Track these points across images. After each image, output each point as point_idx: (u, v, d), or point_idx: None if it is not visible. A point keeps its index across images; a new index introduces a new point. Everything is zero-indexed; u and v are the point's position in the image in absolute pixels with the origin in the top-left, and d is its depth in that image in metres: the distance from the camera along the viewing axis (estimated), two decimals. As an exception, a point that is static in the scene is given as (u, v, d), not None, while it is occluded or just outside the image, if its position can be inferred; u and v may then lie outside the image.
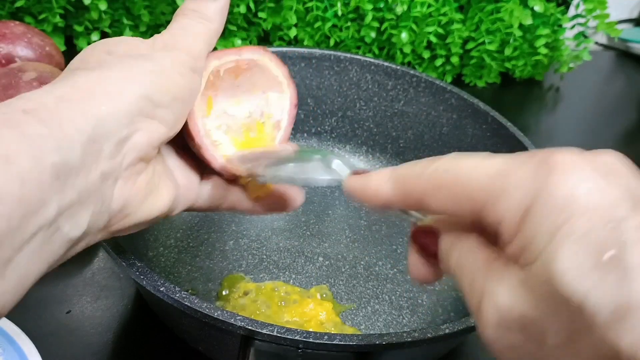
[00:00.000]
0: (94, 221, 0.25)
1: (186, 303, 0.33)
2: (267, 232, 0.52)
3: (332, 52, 0.58)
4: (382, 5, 0.71)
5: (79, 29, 0.71)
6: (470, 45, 0.75)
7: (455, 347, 0.45)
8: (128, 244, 0.36)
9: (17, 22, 0.57)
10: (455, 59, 0.75)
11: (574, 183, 0.19)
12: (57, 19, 0.69)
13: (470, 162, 0.22)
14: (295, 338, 0.32)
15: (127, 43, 0.28)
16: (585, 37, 0.79)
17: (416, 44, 0.74)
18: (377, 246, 0.53)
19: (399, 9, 0.70)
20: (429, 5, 0.70)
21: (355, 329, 0.45)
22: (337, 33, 0.73)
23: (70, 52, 0.71)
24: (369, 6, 0.70)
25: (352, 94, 0.59)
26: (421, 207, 0.24)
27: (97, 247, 0.49)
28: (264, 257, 0.50)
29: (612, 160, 0.20)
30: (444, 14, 0.72)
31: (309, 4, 0.71)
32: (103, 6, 0.68)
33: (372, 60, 0.58)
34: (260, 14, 0.73)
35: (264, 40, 0.77)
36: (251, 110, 0.33)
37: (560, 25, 0.76)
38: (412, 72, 0.57)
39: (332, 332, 0.33)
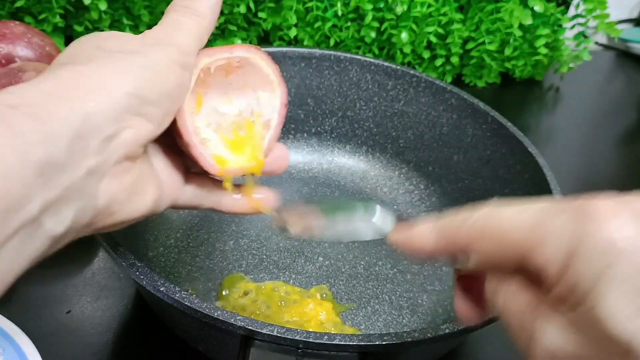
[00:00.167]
0: (78, 218, 0.24)
1: (186, 303, 0.33)
2: (267, 232, 0.52)
3: (332, 52, 0.58)
4: (382, 5, 0.71)
5: (79, 29, 0.71)
6: (470, 45, 0.75)
7: (455, 347, 0.45)
8: (128, 244, 0.36)
9: (17, 22, 0.57)
10: (455, 59, 0.75)
11: (613, 229, 0.20)
12: (57, 19, 0.69)
13: (509, 212, 0.23)
14: (295, 338, 0.32)
15: (116, 38, 0.27)
16: (585, 37, 0.79)
17: (416, 44, 0.74)
18: (377, 246, 0.53)
19: (399, 9, 0.70)
20: (429, 5, 0.70)
21: (355, 329, 0.45)
22: (337, 33, 0.73)
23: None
24: (369, 6, 0.70)
25: (352, 94, 0.59)
26: (464, 256, 0.25)
27: (97, 247, 0.49)
28: (264, 257, 0.50)
29: None
30: (444, 14, 0.72)
31: (309, 4, 0.71)
32: (103, 6, 0.68)
33: (372, 60, 0.58)
34: (260, 14, 0.73)
35: (264, 40, 0.77)
36: (241, 109, 0.33)
37: (560, 25, 0.76)
38: (412, 72, 0.57)
39: (332, 332, 0.33)
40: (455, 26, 0.72)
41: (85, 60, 0.25)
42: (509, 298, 0.24)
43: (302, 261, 0.50)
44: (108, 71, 0.25)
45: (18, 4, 0.67)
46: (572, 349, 0.21)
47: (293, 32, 0.72)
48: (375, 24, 0.72)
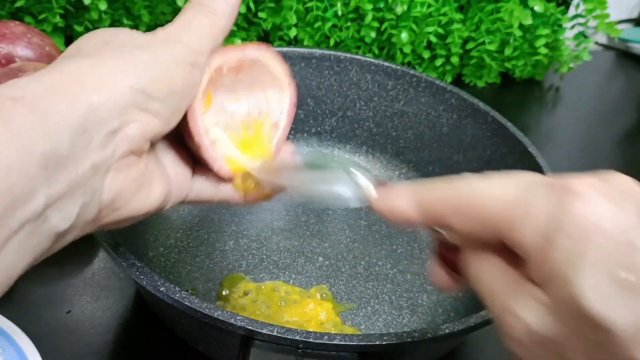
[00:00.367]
0: (83, 213, 0.24)
1: (186, 303, 0.33)
2: (267, 232, 0.52)
3: (332, 52, 0.58)
4: (382, 5, 0.71)
5: (79, 29, 0.71)
6: (470, 45, 0.75)
7: (455, 347, 0.45)
8: (128, 244, 0.36)
9: (17, 22, 0.57)
10: (455, 59, 0.75)
11: (592, 210, 0.20)
12: (57, 19, 0.69)
13: (486, 186, 0.23)
14: (295, 338, 0.32)
15: (125, 34, 0.27)
16: (585, 37, 0.79)
17: (416, 44, 0.74)
18: (377, 246, 0.53)
19: (399, 9, 0.70)
20: (429, 5, 0.70)
21: (355, 329, 0.45)
22: (337, 33, 0.73)
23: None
24: (369, 6, 0.70)
25: (352, 94, 0.59)
26: (443, 226, 0.25)
27: (97, 247, 0.49)
28: (264, 257, 0.50)
29: (625, 182, 0.21)
30: (444, 14, 0.72)
31: (309, 4, 0.71)
32: (103, 6, 0.68)
33: (372, 60, 0.58)
34: (260, 14, 0.73)
35: (264, 40, 0.77)
36: (250, 109, 0.33)
37: (560, 25, 0.76)
38: (412, 72, 0.57)
39: (332, 332, 0.33)
40: (455, 26, 0.72)
41: (90, 54, 0.25)
42: (485, 270, 0.24)
43: (302, 261, 0.50)
44: (113, 65, 0.24)
45: (18, 4, 0.67)
46: (546, 330, 0.20)
47: (293, 32, 0.72)
48: (375, 24, 0.72)
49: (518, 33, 0.73)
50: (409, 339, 0.33)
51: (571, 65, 0.81)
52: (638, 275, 0.19)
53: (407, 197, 0.26)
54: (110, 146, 0.24)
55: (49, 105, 0.22)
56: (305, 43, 0.74)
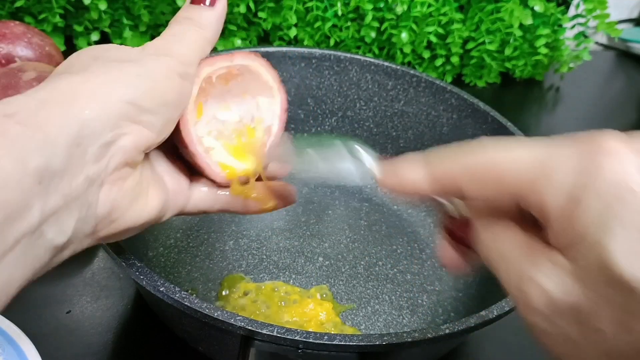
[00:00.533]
0: (80, 227, 0.24)
1: (186, 303, 0.33)
2: (267, 232, 0.52)
3: (332, 52, 0.58)
4: (382, 5, 0.71)
5: (78, 29, 0.71)
6: (470, 45, 0.75)
7: (456, 347, 0.45)
8: (128, 244, 0.36)
9: (17, 22, 0.57)
10: (455, 59, 0.75)
11: (623, 168, 0.18)
12: (57, 19, 0.69)
13: (505, 148, 0.21)
14: (295, 338, 0.32)
15: (115, 49, 0.27)
16: (586, 37, 0.79)
17: (416, 44, 0.74)
18: (377, 246, 0.53)
19: (399, 9, 0.70)
20: (429, 5, 0.70)
21: (355, 329, 0.45)
22: (337, 33, 0.73)
23: (70, 52, 0.71)
24: (369, 6, 0.70)
25: (352, 94, 0.59)
26: (458, 195, 0.23)
27: (97, 247, 0.49)
28: (264, 257, 0.50)
29: None
30: (444, 14, 0.72)
31: (309, 4, 0.71)
32: (103, 6, 0.68)
33: (372, 60, 0.58)
34: (260, 14, 0.73)
35: (264, 40, 0.77)
36: (242, 115, 0.33)
37: (560, 25, 0.76)
38: (412, 72, 0.57)
39: (332, 332, 0.33)
40: (456, 26, 0.72)
41: (82, 70, 0.25)
42: (503, 239, 0.22)
43: (302, 261, 0.50)
44: (104, 79, 0.25)
45: (18, 4, 0.67)
46: (572, 298, 0.19)
47: (293, 32, 0.72)
48: (375, 24, 0.72)
49: (518, 33, 0.73)
50: (409, 339, 0.33)
51: (571, 65, 0.81)
52: None
53: (416, 168, 0.24)
54: (104, 159, 0.24)
55: (42, 121, 0.22)
56: (305, 43, 0.74)
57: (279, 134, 0.34)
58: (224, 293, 0.46)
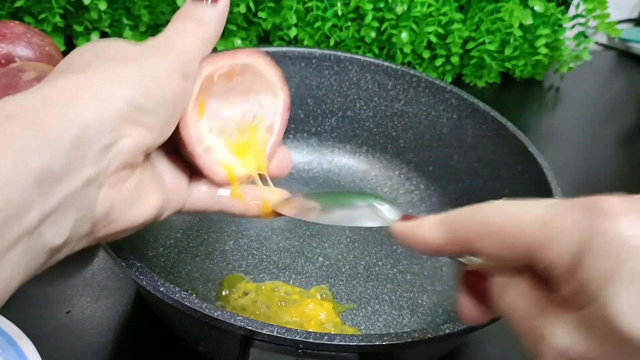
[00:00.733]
0: (77, 228, 0.24)
1: (186, 303, 0.33)
2: (267, 232, 0.52)
3: (332, 52, 0.58)
4: (382, 5, 0.71)
5: (78, 29, 0.71)
6: (470, 45, 0.75)
7: (456, 347, 0.45)
8: (128, 244, 0.36)
9: (17, 22, 0.57)
10: (455, 59, 0.75)
11: (626, 226, 0.20)
12: (57, 19, 0.69)
13: (518, 208, 0.23)
14: (295, 338, 0.32)
15: (116, 46, 0.27)
16: (586, 37, 0.79)
17: (416, 43, 0.74)
18: (377, 246, 0.53)
19: (399, 9, 0.70)
20: (429, 5, 0.70)
21: (355, 329, 0.45)
22: (337, 33, 0.73)
23: (70, 52, 0.71)
24: (369, 6, 0.70)
25: (352, 94, 0.59)
26: (471, 252, 0.25)
27: (97, 247, 0.49)
28: (264, 257, 0.50)
29: None
30: (444, 14, 0.72)
31: (309, 4, 0.71)
32: (103, 6, 0.68)
33: (372, 60, 0.58)
34: (260, 14, 0.73)
35: (264, 40, 0.77)
36: (244, 113, 0.33)
37: (560, 25, 0.76)
38: (412, 72, 0.57)
39: (332, 333, 0.33)
40: (456, 26, 0.72)
41: (83, 69, 0.25)
42: (516, 297, 0.23)
43: (302, 261, 0.50)
44: (106, 79, 0.25)
45: (18, 4, 0.67)
46: (582, 349, 0.20)
47: (293, 32, 0.72)
48: (375, 24, 0.72)
49: (518, 33, 0.73)
50: (409, 339, 0.33)
51: (571, 65, 0.81)
52: None
53: (433, 225, 0.26)
54: (104, 161, 0.24)
55: (44, 121, 0.22)
56: (305, 43, 0.74)
57: (280, 134, 0.34)
58: (224, 293, 0.46)
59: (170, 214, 0.31)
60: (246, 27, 0.76)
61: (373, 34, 0.72)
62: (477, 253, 0.24)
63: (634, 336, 0.19)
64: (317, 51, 0.57)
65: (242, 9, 0.71)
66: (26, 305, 0.44)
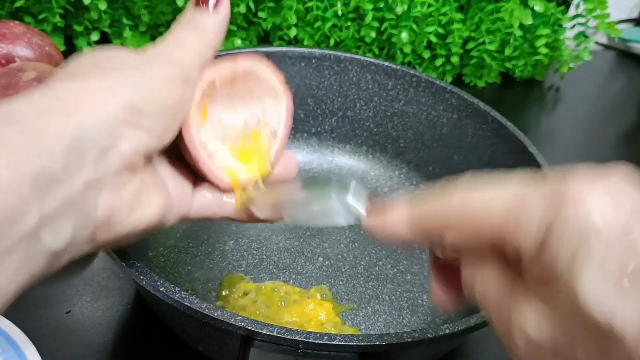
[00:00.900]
0: (78, 232, 0.24)
1: (186, 303, 0.33)
2: (267, 232, 0.52)
3: (332, 52, 0.58)
4: (382, 5, 0.71)
5: (78, 28, 0.71)
6: (470, 45, 0.75)
7: (456, 347, 0.45)
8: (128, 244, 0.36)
9: (17, 22, 0.57)
10: (455, 59, 0.75)
11: (588, 207, 0.20)
12: (57, 18, 0.69)
13: (479, 195, 0.23)
14: (295, 338, 0.32)
15: (115, 55, 0.27)
16: (586, 37, 0.79)
17: (416, 43, 0.74)
18: (377, 246, 0.53)
19: (399, 9, 0.70)
20: (429, 5, 0.70)
21: (355, 329, 0.45)
22: (337, 33, 0.73)
23: (70, 52, 0.71)
24: (369, 6, 0.70)
25: (352, 94, 0.59)
26: (440, 241, 0.25)
27: (97, 247, 0.49)
28: (264, 257, 0.50)
29: (618, 181, 0.21)
30: (444, 14, 0.72)
31: (309, 4, 0.71)
32: (103, 6, 0.68)
33: (372, 60, 0.58)
34: (260, 14, 0.73)
35: (264, 40, 0.77)
36: (247, 118, 0.33)
37: (560, 25, 0.76)
38: (412, 72, 0.57)
39: (332, 333, 0.33)
40: (456, 26, 0.72)
41: (81, 76, 0.25)
42: (486, 282, 0.23)
43: (302, 261, 0.50)
44: (103, 85, 0.25)
45: (18, 4, 0.67)
46: (550, 333, 0.20)
47: (293, 32, 0.72)
48: (375, 24, 0.72)
49: (518, 33, 0.73)
50: (409, 339, 0.33)
51: (571, 65, 0.81)
52: (637, 274, 0.18)
53: (398, 214, 0.26)
54: (103, 164, 0.24)
55: (40, 125, 0.22)
56: (305, 43, 0.74)
57: (285, 138, 0.34)
58: (224, 293, 0.46)
59: (174, 221, 0.31)
60: (246, 27, 0.76)
61: (373, 34, 0.72)
62: (446, 241, 0.24)
63: (599, 319, 0.18)
64: (317, 51, 0.57)
65: (242, 9, 0.71)
66: (26, 306, 0.44)
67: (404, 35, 0.72)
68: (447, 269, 0.27)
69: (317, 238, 0.53)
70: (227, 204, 0.33)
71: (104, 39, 0.73)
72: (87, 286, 0.46)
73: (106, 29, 0.72)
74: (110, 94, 0.24)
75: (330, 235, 0.53)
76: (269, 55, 0.56)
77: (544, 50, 0.75)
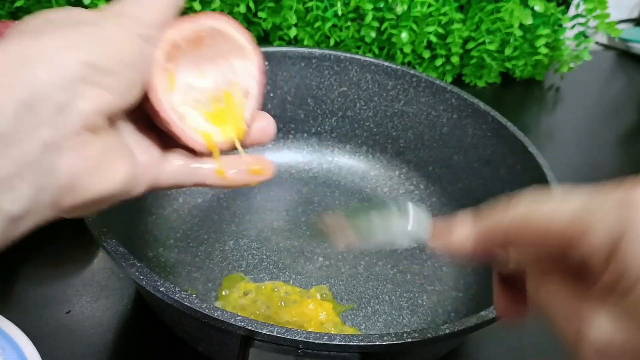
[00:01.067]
0: (38, 196, 0.23)
1: (186, 303, 0.33)
2: (267, 232, 0.52)
3: (332, 52, 0.58)
4: (382, 5, 0.71)
5: (79, 28, 0.71)
6: (470, 45, 0.75)
7: (456, 347, 0.45)
8: (128, 244, 0.36)
9: (17, 22, 0.57)
10: (455, 59, 0.75)
11: None
12: (57, 18, 0.69)
13: (550, 203, 0.23)
14: (295, 338, 0.32)
15: (71, 12, 0.26)
16: (586, 37, 0.79)
17: (416, 43, 0.74)
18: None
19: (399, 9, 0.70)
20: (429, 5, 0.70)
21: (355, 329, 0.45)
22: (337, 33, 0.73)
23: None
24: (369, 6, 0.70)
25: (352, 94, 0.59)
26: (506, 250, 0.25)
27: (97, 247, 0.49)
28: (264, 257, 0.50)
29: None
30: (444, 14, 0.72)
31: (309, 4, 0.71)
32: (102, 6, 0.68)
33: (372, 60, 0.58)
34: (260, 14, 0.73)
35: (264, 40, 0.77)
36: (217, 81, 0.32)
37: (560, 25, 0.76)
38: (412, 72, 0.57)
39: (332, 333, 0.33)
40: (456, 26, 0.72)
41: (35, 34, 0.24)
42: (553, 293, 0.23)
43: (302, 261, 0.50)
44: (59, 42, 0.24)
45: (18, 4, 0.67)
46: (622, 340, 0.20)
47: (293, 32, 0.72)
48: (375, 24, 0.72)
49: (518, 33, 0.73)
50: (409, 339, 0.33)
51: (571, 65, 0.81)
52: None
53: (463, 233, 0.26)
54: (61, 123, 0.23)
55: None
56: (305, 43, 0.74)
57: (258, 97, 0.33)
58: (224, 293, 0.46)
59: (144, 189, 0.30)
60: (246, 27, 0.75)
61: (373, 34, 0.72)
62: (512, 253, 0.24)
63: None
64: (317, 51, 0.57)
65: (242, 9, 0.71)
66: (26, 306, 0.44)
67: (404, 35, 0.72)
68: (510, 281, 0.27)
69: (317, 238, 0.53)
70: (200, 170, 0.32)
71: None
72: (87, 286, 0.46)
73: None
74: (65, 50, 0.24)
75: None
76: (269, 55, 0.56)
77: (544, 50, 0.75)
